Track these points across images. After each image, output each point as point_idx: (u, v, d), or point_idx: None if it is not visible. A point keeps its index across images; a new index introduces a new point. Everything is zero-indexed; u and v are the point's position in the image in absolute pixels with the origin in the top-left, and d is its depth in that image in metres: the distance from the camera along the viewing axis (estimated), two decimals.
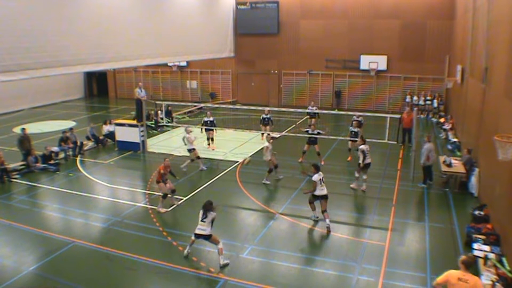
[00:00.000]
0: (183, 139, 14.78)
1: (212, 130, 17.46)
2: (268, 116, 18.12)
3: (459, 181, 12.76)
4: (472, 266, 6.07)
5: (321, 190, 10.29)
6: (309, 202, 10.64)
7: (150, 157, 16.87)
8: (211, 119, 17.36)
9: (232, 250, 9.30)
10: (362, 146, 12.52)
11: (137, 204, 12.00)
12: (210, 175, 14.23)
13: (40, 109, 28.59)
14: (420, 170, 13.56)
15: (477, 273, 7.94)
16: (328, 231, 10.07)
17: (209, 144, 17.60)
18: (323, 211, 10.29)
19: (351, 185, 13.01)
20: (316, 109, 20.53)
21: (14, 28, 12.66)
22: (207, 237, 8.58)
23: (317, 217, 10.69)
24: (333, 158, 16.12)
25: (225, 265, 8.55)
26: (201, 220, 8.54)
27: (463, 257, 6.09)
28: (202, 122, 17.68)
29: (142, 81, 30.62)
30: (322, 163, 15.06)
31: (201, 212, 8.61)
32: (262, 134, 18.39)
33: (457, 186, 12.74)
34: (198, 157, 14.74)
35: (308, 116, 21.04)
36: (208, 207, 8.59)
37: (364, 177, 12.67)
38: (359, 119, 16.89)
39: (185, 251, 8.97)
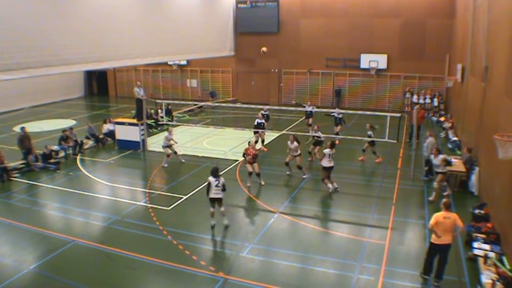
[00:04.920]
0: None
1: (259, 132, 17.15)
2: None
3: (459, 180, 12.76)
4: (450, 206, 7.61)
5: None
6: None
7: (150, 156, 16.87)
8: (262, 121, 17.10)
9: (232, 249, 9.31)
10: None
11: (137, 203, 12.00)
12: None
13: (40, 108, 28.58)
14: (420, 170, 13.59)
15: (477, 272, 8.00)
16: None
17: (263, 146, 17.41)
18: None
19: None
20: (313, 108, 19.31)
21: (14, 27, 12.62)
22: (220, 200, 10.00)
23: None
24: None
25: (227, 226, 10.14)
26: (216, 186, 9.85)
27: (443, 200, 7.66)
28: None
29: (142, 79, 30.69)
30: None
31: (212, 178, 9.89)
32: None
33: (457, 185, 12.74)
34: (175, 153, 15.59)
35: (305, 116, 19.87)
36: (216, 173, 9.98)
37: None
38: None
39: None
